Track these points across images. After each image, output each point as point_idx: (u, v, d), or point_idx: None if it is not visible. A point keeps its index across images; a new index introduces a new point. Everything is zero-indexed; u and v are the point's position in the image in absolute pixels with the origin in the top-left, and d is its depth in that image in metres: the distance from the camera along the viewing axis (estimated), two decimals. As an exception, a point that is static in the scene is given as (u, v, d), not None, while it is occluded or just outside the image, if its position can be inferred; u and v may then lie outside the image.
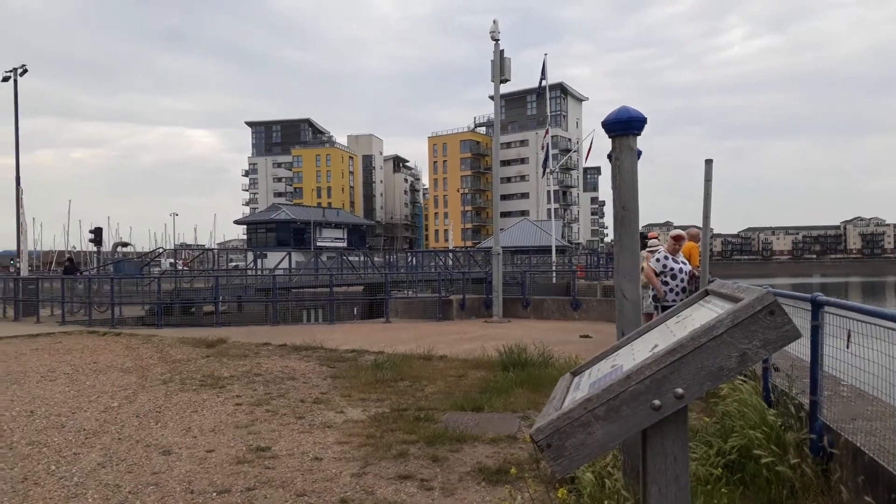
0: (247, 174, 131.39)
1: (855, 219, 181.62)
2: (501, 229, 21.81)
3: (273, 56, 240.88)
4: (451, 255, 37.31)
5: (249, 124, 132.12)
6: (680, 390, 1.86)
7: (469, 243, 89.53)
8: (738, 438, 4.19)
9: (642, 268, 8.52)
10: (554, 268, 34.98)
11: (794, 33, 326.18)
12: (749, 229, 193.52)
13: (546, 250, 45.21)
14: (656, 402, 1.86)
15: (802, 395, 4.59)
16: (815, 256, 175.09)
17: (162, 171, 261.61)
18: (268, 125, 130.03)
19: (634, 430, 1.90)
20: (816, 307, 4.32)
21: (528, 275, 21.31)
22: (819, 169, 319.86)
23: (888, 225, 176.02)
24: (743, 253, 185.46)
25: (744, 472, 4.02)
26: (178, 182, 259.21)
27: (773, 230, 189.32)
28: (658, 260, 8.49)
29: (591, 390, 2.01)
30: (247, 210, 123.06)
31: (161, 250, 47.16)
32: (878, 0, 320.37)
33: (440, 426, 6.20)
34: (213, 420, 6.77)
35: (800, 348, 4.70)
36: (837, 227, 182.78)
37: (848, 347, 3.87)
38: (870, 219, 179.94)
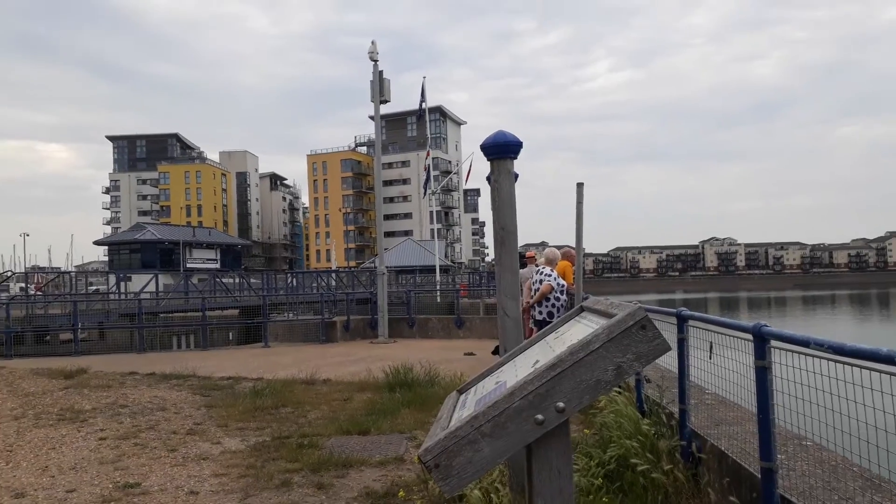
0: (108, 192, 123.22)
1: (711, 239, 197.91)
2: (386, 249, 21.78)
3: (139, 69, 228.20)
4: (334, 275, 36.70)
5: (111, 139, 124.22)
6: (561, 404, 1.91)
7: (352, 263, 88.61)
8: (616, 448, 4.38)
9: (539, 282, 8.76)
10: (438, 287, 35.34)
11: (653, 68, 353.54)
12: (618, 249, 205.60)
13: (430, 270, 45.63)
14: (539, 416, 1.89)
15: (672, 404, 4.89)
16: (677, 274, 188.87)
17: (8, 188, 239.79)
18: (131, 140, 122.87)
19: (520, 445, 1.93)
20: (682, 321, 4.63)
21: (413, 294, 21.36)
22: (679, 193, 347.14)
23: (740, 244, 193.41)
24: (613, 271, 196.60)
25: (622, 481, 4.21)
26: (29, 200, 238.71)
27: (640, 249, 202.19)
28: (555, 278, 8.81)
29: (477, 408, 2.02)
30: (108, 230, 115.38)
31: (10, 273, 42.97)
32: (721, 42, 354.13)
33: (325, 452, 6.02)
34: (74, 457, 6.20)
35: (669, 360, 5.01)
36: (696, 247, 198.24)
37: (710, 358, 4.17)
38: (724, 239, 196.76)
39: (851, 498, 2.94)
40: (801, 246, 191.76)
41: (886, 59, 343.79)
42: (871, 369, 2.38)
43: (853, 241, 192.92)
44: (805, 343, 2.85)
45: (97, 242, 78.54)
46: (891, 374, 2.25)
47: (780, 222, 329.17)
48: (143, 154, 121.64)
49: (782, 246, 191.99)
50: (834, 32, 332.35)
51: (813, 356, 2.80)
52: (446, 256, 79.09)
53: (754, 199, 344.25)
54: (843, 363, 2.55)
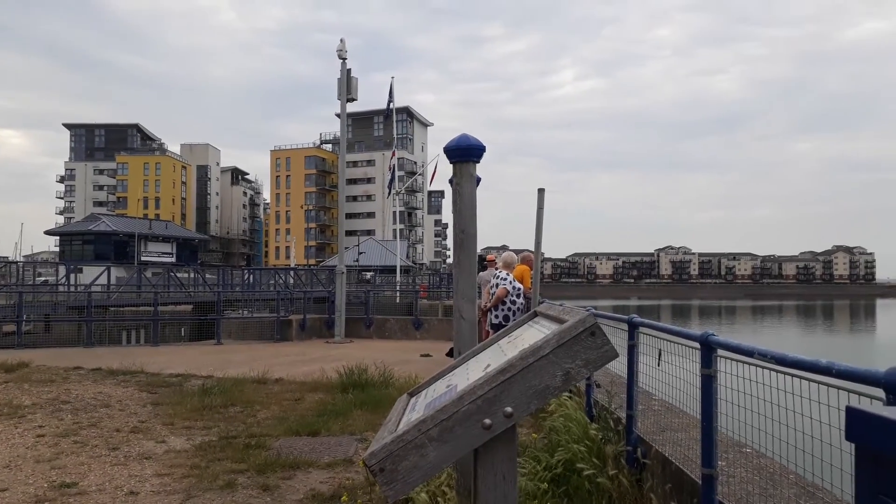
0: (63, 180, 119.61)
1: (666, 247, 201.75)
2: (347, 248, 21.61)
3: (102, 58, 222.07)
4: (292, 273, 36.26)
5: (68, 126, 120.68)
6: (509, 409, 1.90)
7: (312, 261, 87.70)
8: (564, 453, 4.40)
9: (496, 285, 8.81)
10: (398, 287, 35.25)
11: (618, 78, 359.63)
12: (576, 254, 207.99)
13: (391, 270, 45.45)
14: (487, 420, 1.88)
15: (620, 409, 4.95)
16: (632, 281, 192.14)
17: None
18: (89, 128, 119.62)
19: (467, 450, 1.91)
20: (633, 328, 4.69)
21: (371, 294, 21.23)
22: (638, 201, 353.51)
23: (693, 254, 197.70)
24: (570, 276, 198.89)
25: (568, 485, 4.23)
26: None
27: (597, 256, 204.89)
28: (511, 282, 8.86)
29: (426, 411, 2.00)
30: (61, 220, 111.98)
31: (-48, 262, 41.26)
32: (685, 55, 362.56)
33: (272, 453, 5.92)
34: (9, 454, 5.96)
35: (619, 366, 5.07)
36: (652, 255, 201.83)
37: (659, 365, 4.23)
38: (679, 247, 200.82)
39: (787, 505, 3.01)
40: (753, 257, 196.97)
41: (841, 79, 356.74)
42: (810, 380, 2.44)
43: (801, 253, 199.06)
44: (750, 353, 2.91)
45: (48, 232, 75.98)
46: (829, 385, 2.31)
47: (733, 233, 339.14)
48: (101, 143, 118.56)
49: (735, 256, 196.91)
50: (792, 50, 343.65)
51: (757, 366, 2.86)
52: (408, 257, 78.93)
53: (710, 210, 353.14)
54: (785, 373, 2.61)
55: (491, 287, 8.93)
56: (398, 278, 39.53)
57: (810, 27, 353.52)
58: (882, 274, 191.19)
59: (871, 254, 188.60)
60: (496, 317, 8.73)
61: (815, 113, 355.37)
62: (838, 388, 2.25)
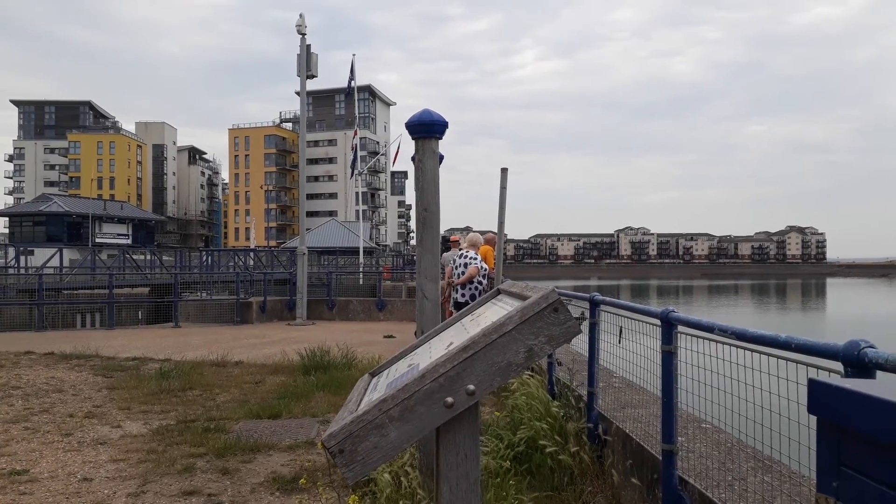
0: (11, 159, 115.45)
1: (626, 228, 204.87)
2: (308, 229, 21.36)
3: (51, 32, 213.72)
4: (252, 254, 35.70)
5: (16, 103, 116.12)
6: (472, 387, 1.86)
7: (273, 243, 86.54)
8: (526, 430, 4.42)
9: (465, 265, 8.78)
10: (361, 269, 35.06)
11: (578, 59, 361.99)
12: (538, 235, 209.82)
13: (354, 251, 45.15)
14: (449, 399, 1.84)
15: (581, 387, 4.99)
16: (593, 261, 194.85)
17: None
18: (39, 105, 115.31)
19: (428, 429, 1.88)
20: (594, 306, 4.71)
21: (334, 276, 21.06)
22: (598, 182, 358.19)
23: (652, 234, 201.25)
24: (532, 257, 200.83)
25: (531, 463, 4.25)
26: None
27: (559, 237, 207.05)
28: (480, 261, 8.84)
29: (388, 391, 1.95)
30: (10, 200, 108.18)
31: None
32: (643, 37, 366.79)
33: (232, 436, 5.82)
34: (-47, 443, 5.74)
35: (580, 344, 5.10)
36: (612, 235, 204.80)
37: (620, 342, 4.26)
38: (638, 228, 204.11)
39: (744, 478, 3.07)
40: (710, 237, 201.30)
41: (793, 62, 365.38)
42: (769, 355, 2.47)
43: (756, 233, 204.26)
44: (710, 329, 2.93)
45: (-4, 213, 73.35)
46: (787, 359, 2.33)
47: (691, 214, 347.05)
48: (51, 121, 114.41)
49: (692, 237, 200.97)
50: (746, 33, 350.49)
51: (717, 341, 2.88)
52: (371, 238, 78.49)
53: (668, 191, 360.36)
54: (745, 348, 2.64)
55: (457, 266, 8.90)
56: (361, 260, 39.27)
57: (763, 11, 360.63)
58: (832, 253, 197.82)
59: (822, 234, 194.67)
60: (462, 296, 8.72)
61: (767, 95, 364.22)
62: (797, 362, 2.27)
